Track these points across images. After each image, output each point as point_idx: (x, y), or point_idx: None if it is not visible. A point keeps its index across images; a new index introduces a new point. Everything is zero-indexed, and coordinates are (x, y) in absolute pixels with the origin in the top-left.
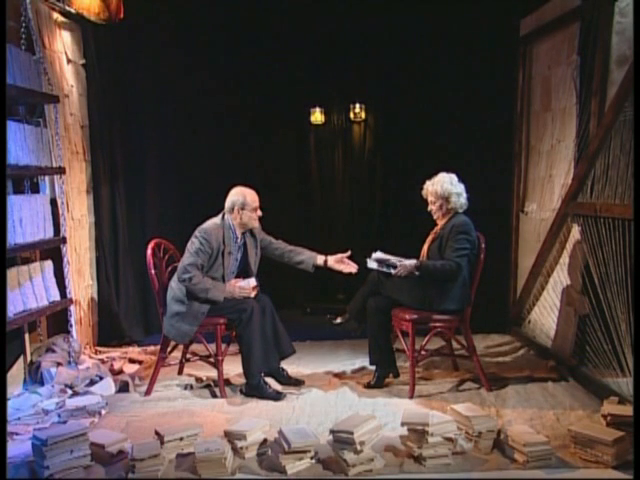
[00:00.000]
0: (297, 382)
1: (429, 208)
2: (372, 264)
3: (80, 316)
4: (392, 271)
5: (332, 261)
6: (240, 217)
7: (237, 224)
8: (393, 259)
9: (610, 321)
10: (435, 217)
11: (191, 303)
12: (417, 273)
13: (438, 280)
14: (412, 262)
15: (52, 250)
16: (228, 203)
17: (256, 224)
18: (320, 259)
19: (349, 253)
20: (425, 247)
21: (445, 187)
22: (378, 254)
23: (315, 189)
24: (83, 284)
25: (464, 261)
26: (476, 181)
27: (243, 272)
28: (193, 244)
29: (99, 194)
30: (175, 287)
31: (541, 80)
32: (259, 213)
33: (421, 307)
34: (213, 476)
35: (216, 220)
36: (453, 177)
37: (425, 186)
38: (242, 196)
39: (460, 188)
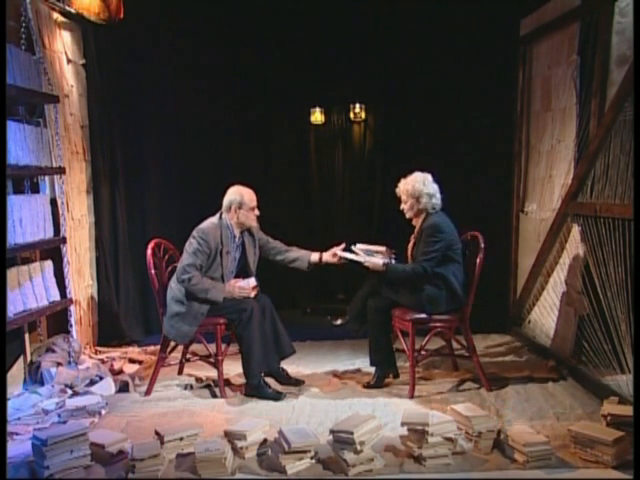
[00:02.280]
0: (297, 382)
1: (401, 207)
2: (345, 254)
3: (80, 316)
4: (361, 260)
5: (327, 256)
6: (237, 216)
7: (235, 223)
8: (367, 253)
9: (610, 321)
10: (407, 216)
11: (191, 303)
12: (384, 268)
13: (406, 282)
14: (379, 262)
15: (52, 250)
16: (225, 202)
17: (254, 223)
18: (315, 256)
19: (343, 246)
20: (408, 253)
21: (416, 187)
22: (359, 246)
23: (315, 189)
24: (83, 284)
25: (431, 264)
26: (476, 181)
27: (242, 272)
28: (191, 244)
29: (99, 194)
30: (175, 287)
31: (541, 80)
32: (257, 212)
33: (417, 308)
34: (213, 476)
35: (214, 220)
36: (427, 177)
37: (399, 184)
38: (239, 195)
39: (433, 189)
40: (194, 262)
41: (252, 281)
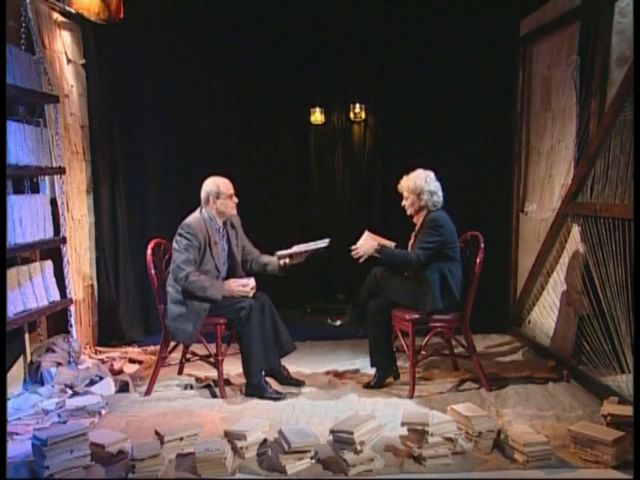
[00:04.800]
0: (297, 382)
1: (402, 203)
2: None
3: (80, 316)
4: (320, 246)
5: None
6: (216, 206)
7: (216, 214)
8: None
9: (610, 321)
10: (408, 213)
11: (191, 302)
12: (378, 255)
13: (398, 267)
14: (374, 244)
15: (52, 250)
16: (203, 195)
17: (233, 211)
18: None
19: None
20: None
21: (418, 183)
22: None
23: (315, 189)
24: (83, 284)
25: (424, 253)
26: (476, 181)
27: (231, 266)
28: (180, 242)
29: (99, 194)
30: (172, 290)
31: (541, 80)
32: (235, 200)
33: (415, 307)
34: (213, 476)
35: (196, 214)
36: (430, 174)
37: (401, 180)
38: (215, 185)
39: (435, 186)
40: (187, 258)
41: (252, 281)
